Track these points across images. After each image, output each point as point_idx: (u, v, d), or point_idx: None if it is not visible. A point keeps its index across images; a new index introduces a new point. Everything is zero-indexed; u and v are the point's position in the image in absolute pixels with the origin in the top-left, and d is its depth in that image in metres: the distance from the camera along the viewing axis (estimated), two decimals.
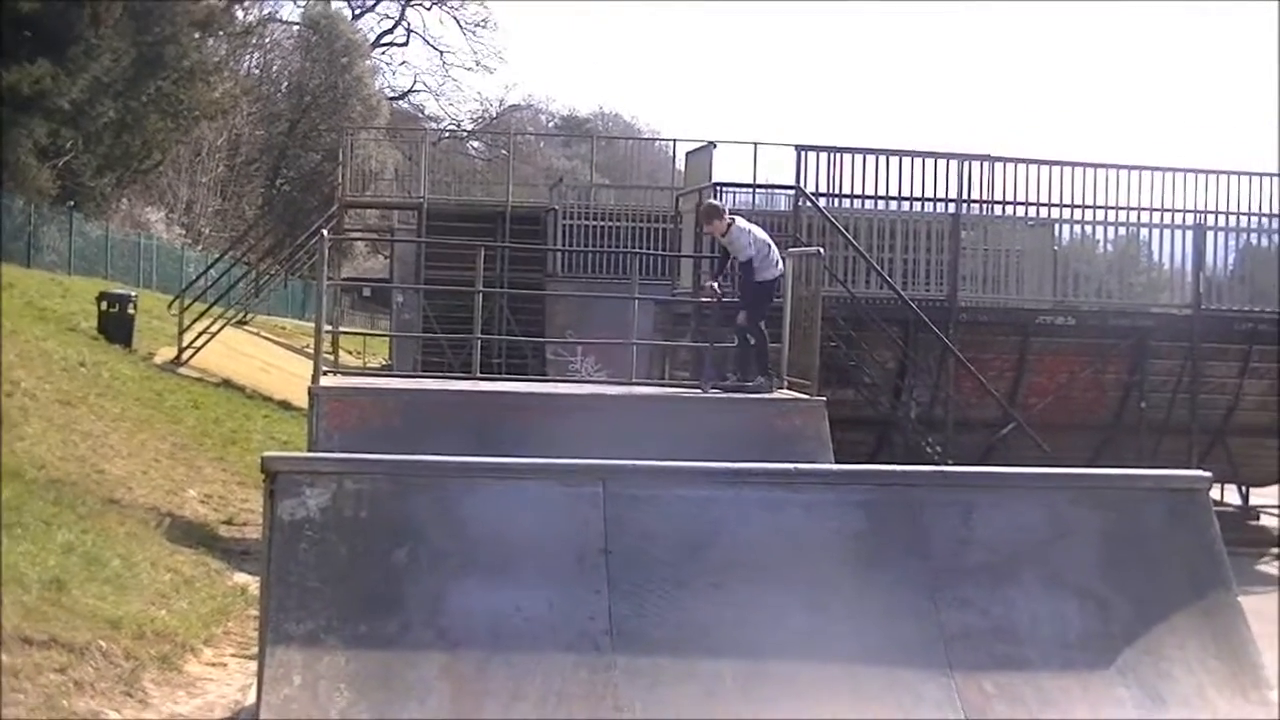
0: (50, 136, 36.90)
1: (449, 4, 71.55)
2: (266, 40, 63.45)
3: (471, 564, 7.70)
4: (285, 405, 27.46)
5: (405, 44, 74.51)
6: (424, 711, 7.16)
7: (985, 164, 22.05)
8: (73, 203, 40.39)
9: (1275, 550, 21.31)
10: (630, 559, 7.84)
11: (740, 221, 15.20)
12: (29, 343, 21.36)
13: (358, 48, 64.56)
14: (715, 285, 15.67)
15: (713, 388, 14.93)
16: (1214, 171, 22.38)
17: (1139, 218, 22.63)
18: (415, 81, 75.82)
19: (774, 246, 14.94)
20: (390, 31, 73.89)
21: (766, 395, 14.27)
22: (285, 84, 65.89)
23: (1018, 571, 8.25)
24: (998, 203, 22.33)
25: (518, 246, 29.98)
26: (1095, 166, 22.17)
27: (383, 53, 73.90)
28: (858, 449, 20.11)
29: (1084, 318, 21.89)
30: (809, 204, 21.00)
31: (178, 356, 28.97)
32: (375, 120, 58.69)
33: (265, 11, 62.53)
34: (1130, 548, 8.43)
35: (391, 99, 71.24)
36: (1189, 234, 22.14)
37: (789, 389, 14.55)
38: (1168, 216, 22.34)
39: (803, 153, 21.29)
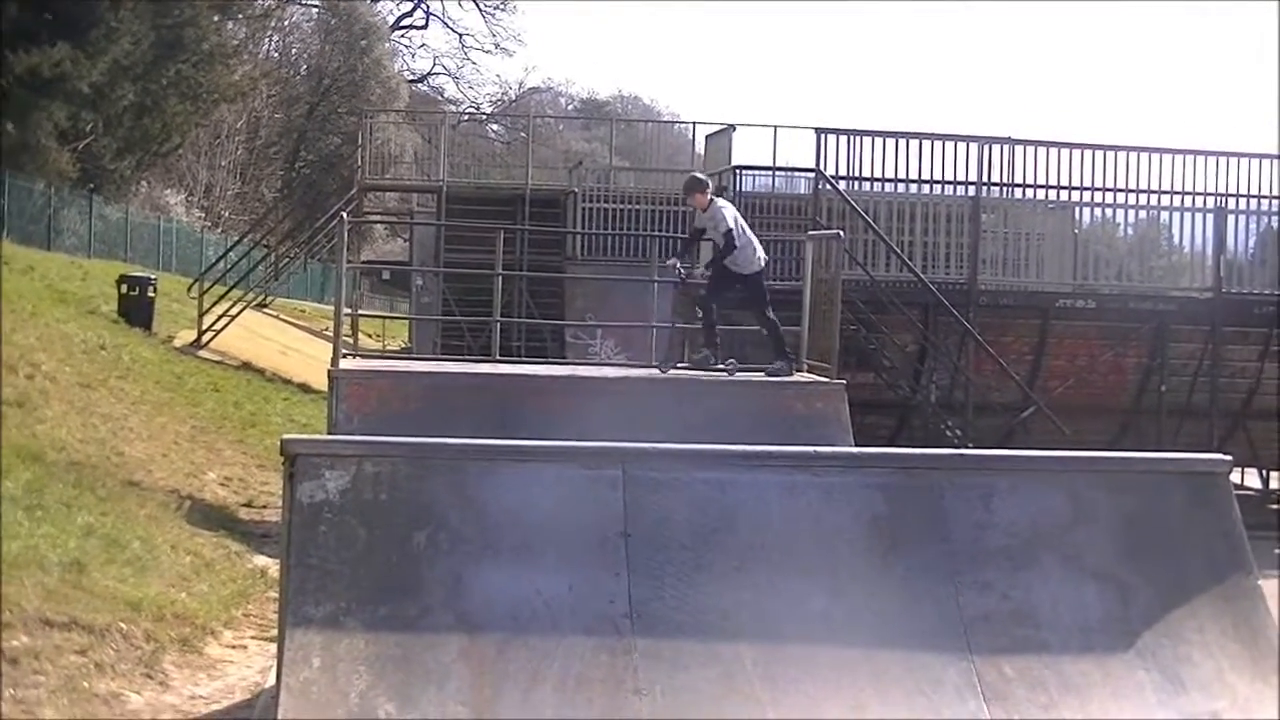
0: (70, 119, 36.99)
1: None
2: (285, 23, 63.59)
3: (491, 547, 7.69)
4: (305, 388, 27.53)
5: (424, 27, 74.70)
6: (443, 694, 7.16)
7: (1005, 147, 22.02)
8: (93, 186, 40.51)
9: None
10: (650, 542, 7.83)
11: (722, 201, 15.10)
12: (49, 325, 21.40)
13: (377, 30, 64.61)
14: (678, 264, 15.20)
15: (692, 365, 14.85)
16: (1235, 154, 22.31)
17: (1159, 201, 22.56)
18: (434, 64, 76.04)
19: (755, 238, 14.69)
20: (409, 14, 74.03)
21: (786, 379, 14.24)
22: (304, 67, 66.01)
23: (1038, 555, 8.22)
24: (1018, 185, 22.31)
25: (537, 229, 29.92)
26: (1116, 149, 22.12)
27: (402, 35, 74.11)
28: (878, 432, 20.14)
29: (1104, 301, 21.87)
30: (829, 187, 21.00)
31: (197, 339, 29.05)
32: (394, 103, 58.71)
33: None
34: (1150, 531, 8.40)
35: (411, 82, 71.30)
36: (1210, 217, 22.08)
37: (809, 372, 14.53)
38: (1188, 200, 22.27)
39: (822, 135, 21.28)
